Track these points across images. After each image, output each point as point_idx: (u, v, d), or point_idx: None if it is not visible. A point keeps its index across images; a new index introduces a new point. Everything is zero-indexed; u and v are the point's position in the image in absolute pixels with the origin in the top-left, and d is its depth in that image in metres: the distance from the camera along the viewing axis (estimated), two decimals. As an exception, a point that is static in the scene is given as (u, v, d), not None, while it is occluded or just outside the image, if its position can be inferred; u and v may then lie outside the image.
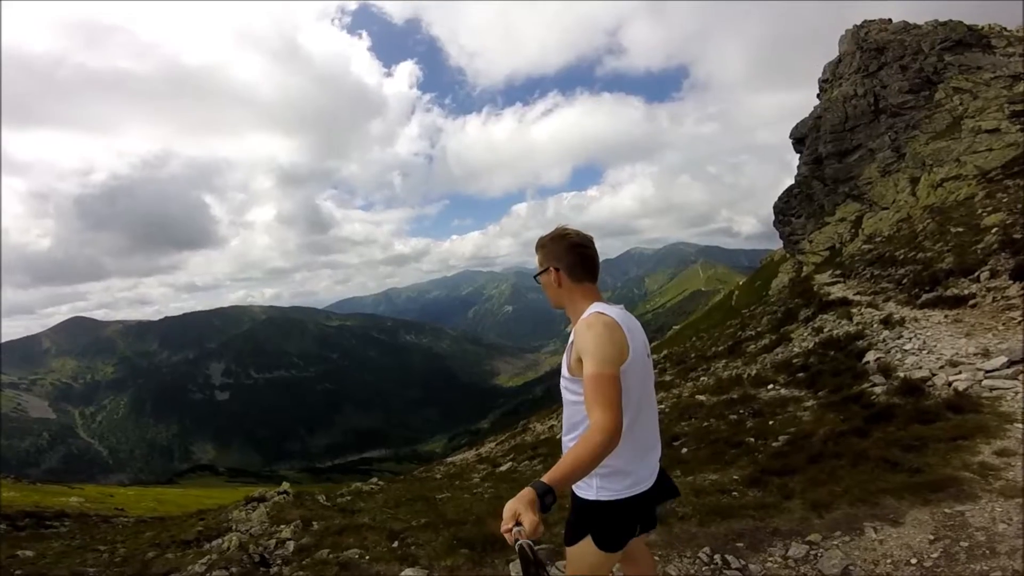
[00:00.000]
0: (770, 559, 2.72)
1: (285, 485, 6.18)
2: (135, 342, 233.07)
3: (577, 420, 1.74)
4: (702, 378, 12.92)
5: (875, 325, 9.51)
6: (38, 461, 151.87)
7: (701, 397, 10.46)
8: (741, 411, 7.35)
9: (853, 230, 30.97)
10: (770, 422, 6.71)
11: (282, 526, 4.52)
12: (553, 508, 1.26)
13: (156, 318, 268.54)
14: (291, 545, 3.99)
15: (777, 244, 46.38)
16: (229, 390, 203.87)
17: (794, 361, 9.17)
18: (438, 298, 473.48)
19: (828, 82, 39.41)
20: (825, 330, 10.37)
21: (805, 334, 11.13)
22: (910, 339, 8.12)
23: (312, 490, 6.93)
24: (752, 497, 3.55)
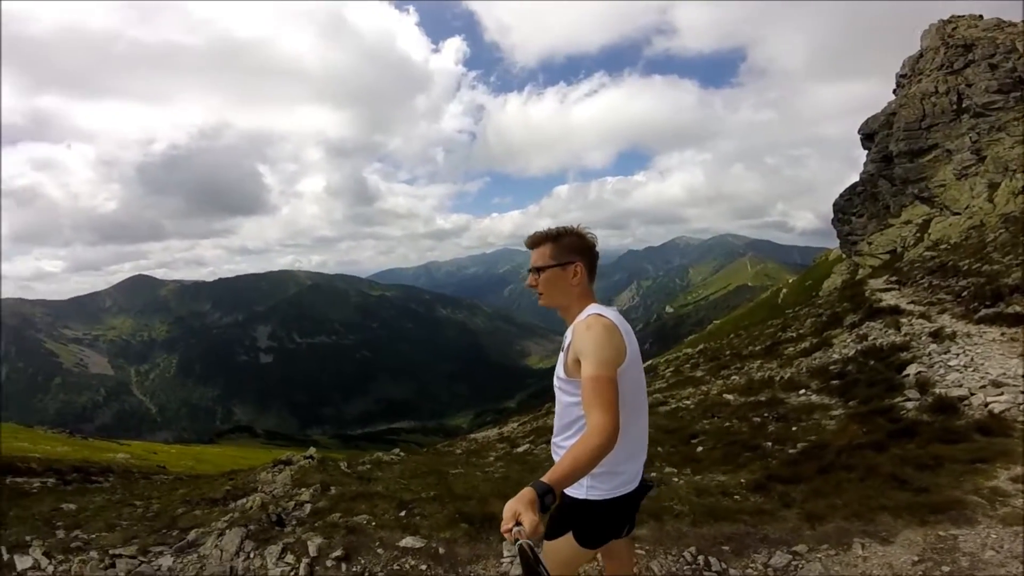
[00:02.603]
0: (752, 565, 2.76)
1: (311, 450, 6.56)
2: (189, 302, 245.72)
3: (570, 421, 1.78)
4: (733, 377, 12.70)
5: (923, 337, 9.10)
6: (93, 417, 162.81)
7: (729, 396, 10.32)
8: (766, 414, 7.24)
9: (918, 234, 29.21)
10: (793, 428, 6.60)
11: (303, 489, 4.84)
12: (552, 508, 1.26)
13: (210, 279, 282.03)
14: (308, 507, 4.28)
15: (834, 243, 44.18)
16: (273, 353, 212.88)
17: (831, 368, 8.91)
18: (476, 274, 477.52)
19: (906, 77, 36.84)
20: (869, 338, 9.97)
21: (848, 340, 10.75)
22: (957, 355, 7.75)
23: (337, 456, 7.32)
24: (752, 502, 3.57)
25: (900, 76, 38.05)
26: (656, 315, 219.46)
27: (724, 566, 2.75)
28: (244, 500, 4.68)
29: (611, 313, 1.74)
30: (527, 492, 1.26)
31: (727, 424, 7.68)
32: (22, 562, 3.69)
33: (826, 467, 3.82)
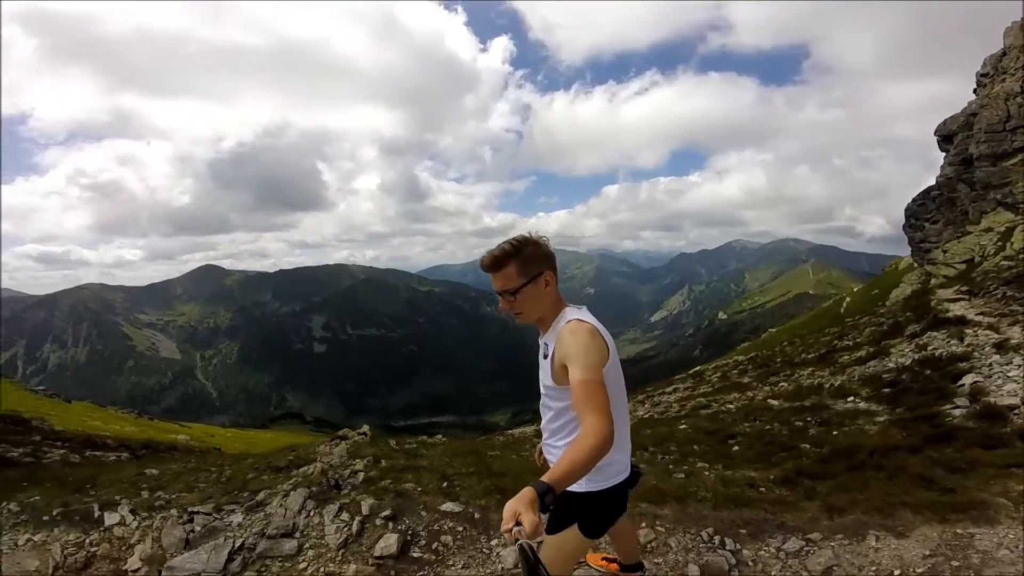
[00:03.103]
0: (764, 548, 2.93)
1: (364, 427, 7.10)
2: (252, 292, 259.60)
3: (561, 424, 1.85)
4: (782, 384, 12.44)
5: (986, 348, 8.69)
6: (159, 399, 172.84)
7: (773, 402, 10.17)
8: (808, 419, 7.17)
9: (999, 243, 27.12)
10: (833, 432, 6.54)
11: (357, 460, 5.31)
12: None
13: (272, 270, 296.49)
14: (361, 476, 4.73)
15: (907, 250, 41.50)
16: (326, 343, 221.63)
17: (884, 376, 8.66)
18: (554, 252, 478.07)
19: (988, 76, 34.20)
20: (929, 348, 9.58)
21: (906, 350, 10.36)
22: (1020, 366, 7.40)
23: (386, 438, 7.85)
24: (776, 494, 3.70)
25: (981, 75, 35.37)
26: (708, 321, 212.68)
27: (738, 547, 2.93)
28: (306, 468, 5.19)
29: (587, 315, 1.81)
30: (527, 492, 1.27)
31: (767, 427, 7.64)
32: (110, 518, 4.10)
33: (856, 466, 3.88)
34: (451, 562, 3.06)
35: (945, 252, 31.86)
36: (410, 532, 3.41)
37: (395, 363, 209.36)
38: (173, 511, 4.17)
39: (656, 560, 2.86)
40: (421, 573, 3.02)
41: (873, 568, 2.67)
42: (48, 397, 23.09)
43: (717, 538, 3.01)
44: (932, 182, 36.87)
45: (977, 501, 3.04)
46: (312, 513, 4.02)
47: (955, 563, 2.61)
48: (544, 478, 1.32)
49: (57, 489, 4.66)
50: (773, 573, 2.73)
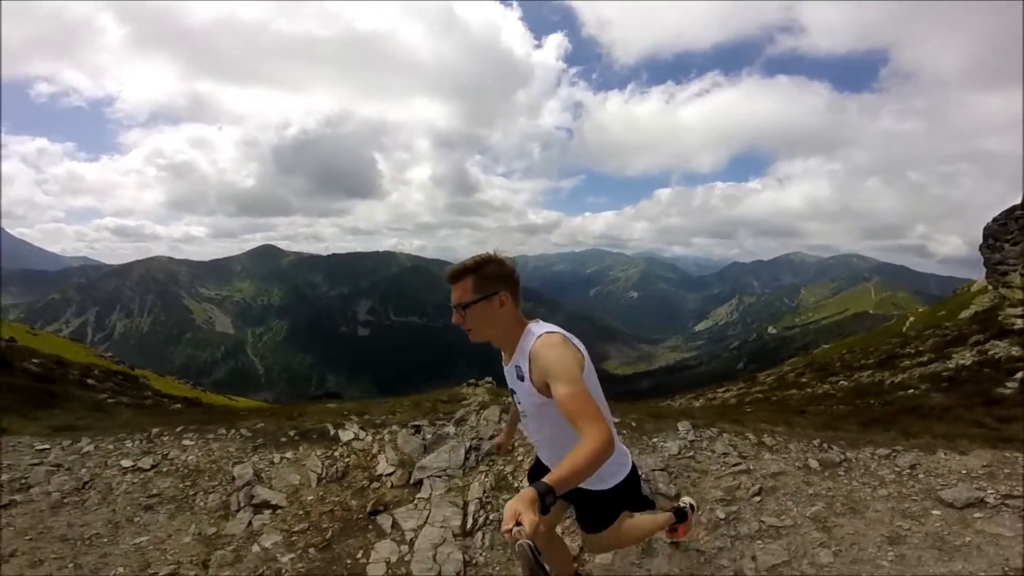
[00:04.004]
0: (861, 453, 4.13)
1: (488, 379, 8.58)
2: (305, 273, 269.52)
3: (562, 435, 1.86)
4: (841, 382, 13.20)
5: (1048, 355, 9.35)
6: (210, 372, 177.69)
7: (835, 392, 11.05)
8: (871, 401, 8.12)
9: (1080, 268, 26.17)
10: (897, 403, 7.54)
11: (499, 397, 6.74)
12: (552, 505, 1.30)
13: (324, 253, 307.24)
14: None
15: (978, 275, 39.65)
16: (370, 327, 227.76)
17: (943, 373, 9.48)
18: (562, 272, 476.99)
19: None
20: (990, 353, 10.28)
21: (967, 355, 11.04)
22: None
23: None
24: (860, 429, 4.88)
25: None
26: (756, 334, 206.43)
27: (843, 452, 4.15)
28: (471, 398, 6.66)
29: (552, 327, 1.85)
30: (528, 492, 1.28)
31: (833, 407, 8.61)
32: (345, 435, 4.58)
33: (922, 416, 4.98)
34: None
35: (1023, 275, 30.79)
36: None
37: (433, 353, 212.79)
38: (395, 427, 4.68)
39: (782, 455, 4.11)
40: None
41: (946, 470, 3.85)
42: (115, 364, 23.28)
43: (824, 445, 4.24)
44: (1018, 200, 35.22)
45: (1020, 437, 4.14)
46: (502, 422, 5.44)
47: (1006, 470, 3.76)
48: (546, 479, 1.35)
49: (273, 418, 5.08)
50: (872, 467, 3.95)
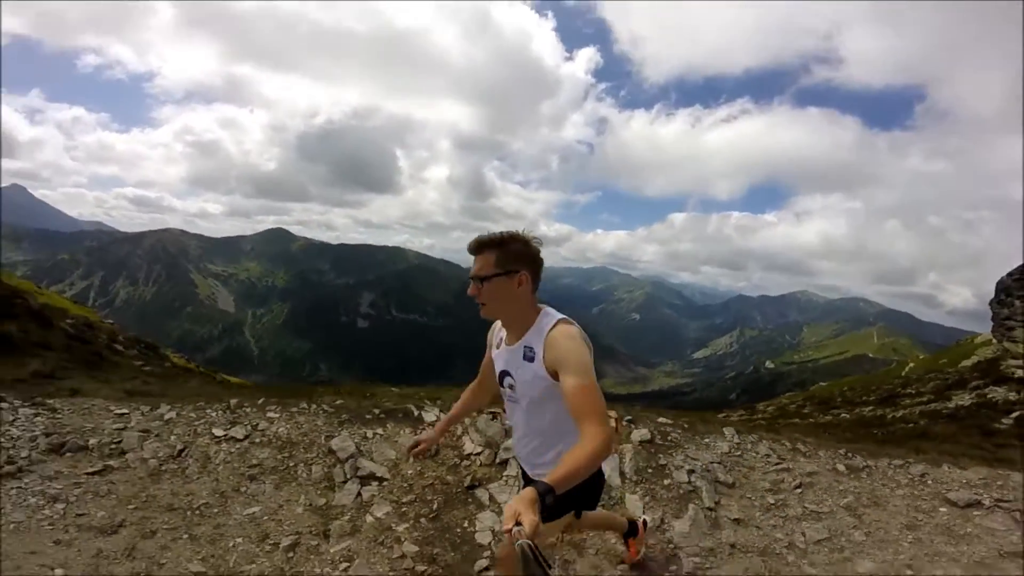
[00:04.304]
0: (879, 462, 4.95)
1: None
2: (313, 259, 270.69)
3: (557, 429, 1.85)
4: (843, 415, 13.97)
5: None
6: (205, 348, 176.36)
7: (837, 423, 11.81)
8: (875, 431, 8.90)
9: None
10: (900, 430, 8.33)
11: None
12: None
13: (334, 242, 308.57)
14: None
15: (984, 329, 39.91)
16: (370, 320, 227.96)
17: (943, 411, 10.28)
18: (569, 285, 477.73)
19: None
20: (988, 396, 11.11)
21: (966, 397, 11.85)
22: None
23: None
24: (877, 446, 5.71)
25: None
26: (753, 367, 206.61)
27: (865, 460, 4.96)
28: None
29: (570, 318, 1.83)
30: (528, 491, 1.28)
31: (836, 434, 9.41)
32: (428, 416, 4.82)
33: (929, 439, 5.81)
34: (680, 446, 5.08)
35: (1028, 332, 31.28)
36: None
37: (432, 352, 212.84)
38: (473, 412, 4.65)
39: (814, 459, 4.94)
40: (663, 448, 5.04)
41: (950, 477, 4.69)
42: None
43: (848, 453, 5.07)
44: (1035, 257, 35.52)
45: (1013, 459, 4.96)
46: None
47: (999, 483, 4.59)
48: (546, 479, 1.34)
49: (351, 396, 5.18)
50: (889, 473, 4.79)
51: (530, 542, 1.15)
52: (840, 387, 35.33)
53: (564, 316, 1.82)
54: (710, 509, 3.96)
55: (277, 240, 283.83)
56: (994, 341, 37.86)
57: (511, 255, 1.80)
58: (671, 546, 3.59)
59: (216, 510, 3.57)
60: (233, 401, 4.71)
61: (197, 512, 3.52)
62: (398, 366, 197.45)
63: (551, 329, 1.75)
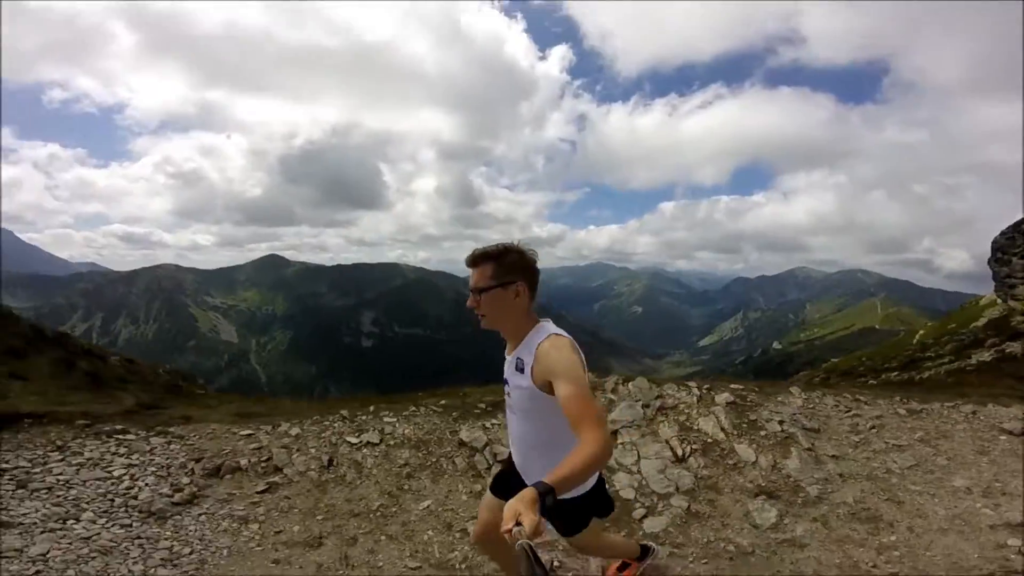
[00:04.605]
0: (932, 405, 5.64)
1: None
2: (310, 283, 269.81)
3: (549, 436, 1.90)
4: (870, 382, 14.61)
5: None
6: (214, 379, 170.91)
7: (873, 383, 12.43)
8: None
9: (1088, 280, 27.59)
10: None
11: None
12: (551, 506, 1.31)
13: (329, 264, 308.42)
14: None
15: (986, 290, 40.80)
16: (373, 339, 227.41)
17: (967, 368, 10.97)
18: (567, 285, 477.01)
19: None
20: (1007, 351, 11.78)
21: (987, 354, 12.52)
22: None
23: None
24: (925, 392, 6.42)
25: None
26: (761, 350, 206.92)
27: (919, 404, 5.65)
28: (610, 375, 8.16)
29: (564, 332, 1.87)
30: (529, 491, 1.28)
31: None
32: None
33: (968, 385, 6.52)
34: (761, 404, 5.77)
35: (1032, 288, 32.05)
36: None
37: (434, 365, 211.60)
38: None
39: (877, 407, 5.60)
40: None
41: (997, 414, 5.40)
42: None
43: (903, 400, 5.77)
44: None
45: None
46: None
47: (1039, 419, 5.31)
48: (546, 479, 1.35)
49: (448, 397, 5.69)
50: (944, 413, 5.48)
51: (530, 542, 1.15)
52: (858, 359, 36.04)
53: (558, 330, 1.87)
54: (808, 449, 4.61)
55: (271, 267, 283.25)
56: (998, 301, 38.65)
57: (507, 267, 1.85)
58: (791, 480, 4.21)
59: (394, 509, 3.78)
60: (344, 412, 4.99)
61: (379, 514, 3.71)
62: (408, 381, 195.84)
63: (542, 342, 1.80)
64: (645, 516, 3.87)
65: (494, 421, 4.95)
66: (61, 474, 3.71)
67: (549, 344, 1.78)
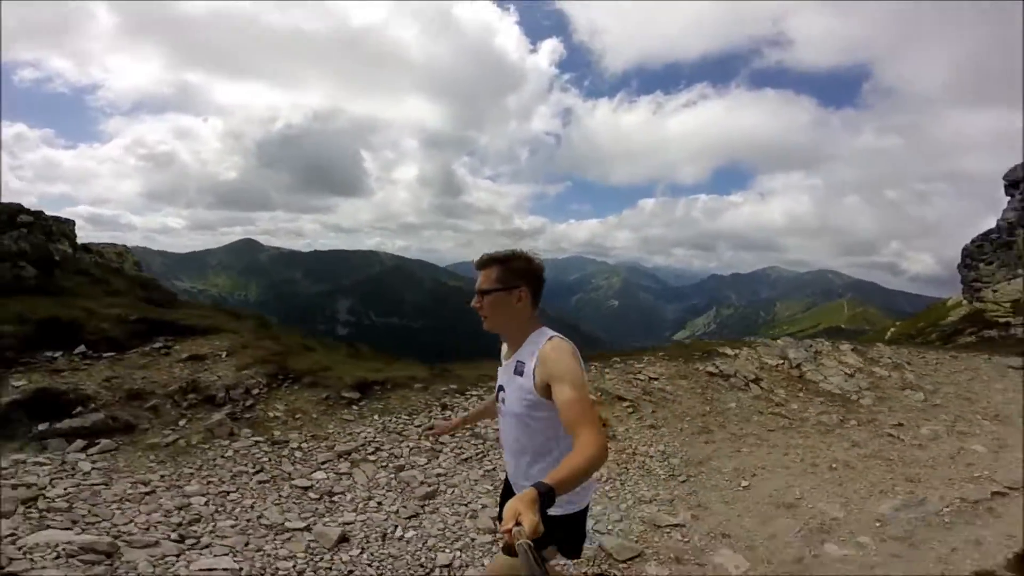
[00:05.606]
0: (963, 354, 5.70)
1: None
2: (284, 269, 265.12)
3: (544, 440, 1.88)
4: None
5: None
6: None
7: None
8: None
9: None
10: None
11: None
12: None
13: (306, 250, 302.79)
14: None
15: (949, 293, 41.77)
16: (349, 327, 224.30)
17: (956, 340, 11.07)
18: (546, 278, 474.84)
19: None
20: (986, 336, 12.26)
21: (970, 339, 12.84)
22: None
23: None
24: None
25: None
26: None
27: (957, 353, 5.76)
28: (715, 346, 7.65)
29: (564, 336, 1.88)
30: (529, 492, 1.28)
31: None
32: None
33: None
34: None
35: (995, 292, 32.99)
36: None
37: (411, 354, 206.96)
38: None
39: (935, 355, 6.29)
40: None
41: (1004, 362, 5.58)
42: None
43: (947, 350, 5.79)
44: (992, 224, 37.36)
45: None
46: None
47: None
48: (546, 479, 1.34)
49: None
50: (972, 359, 6.18)
51: (530, 543, 1.15)
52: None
53: (558, 334, 1.88)
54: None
55: (245, 251, 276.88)
56: (964, 303, 39.85)
57: (512, 272, 1.88)
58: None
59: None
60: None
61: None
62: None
63: (543, 345, 1.81)
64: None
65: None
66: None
67: (551, 347, 1.79)
